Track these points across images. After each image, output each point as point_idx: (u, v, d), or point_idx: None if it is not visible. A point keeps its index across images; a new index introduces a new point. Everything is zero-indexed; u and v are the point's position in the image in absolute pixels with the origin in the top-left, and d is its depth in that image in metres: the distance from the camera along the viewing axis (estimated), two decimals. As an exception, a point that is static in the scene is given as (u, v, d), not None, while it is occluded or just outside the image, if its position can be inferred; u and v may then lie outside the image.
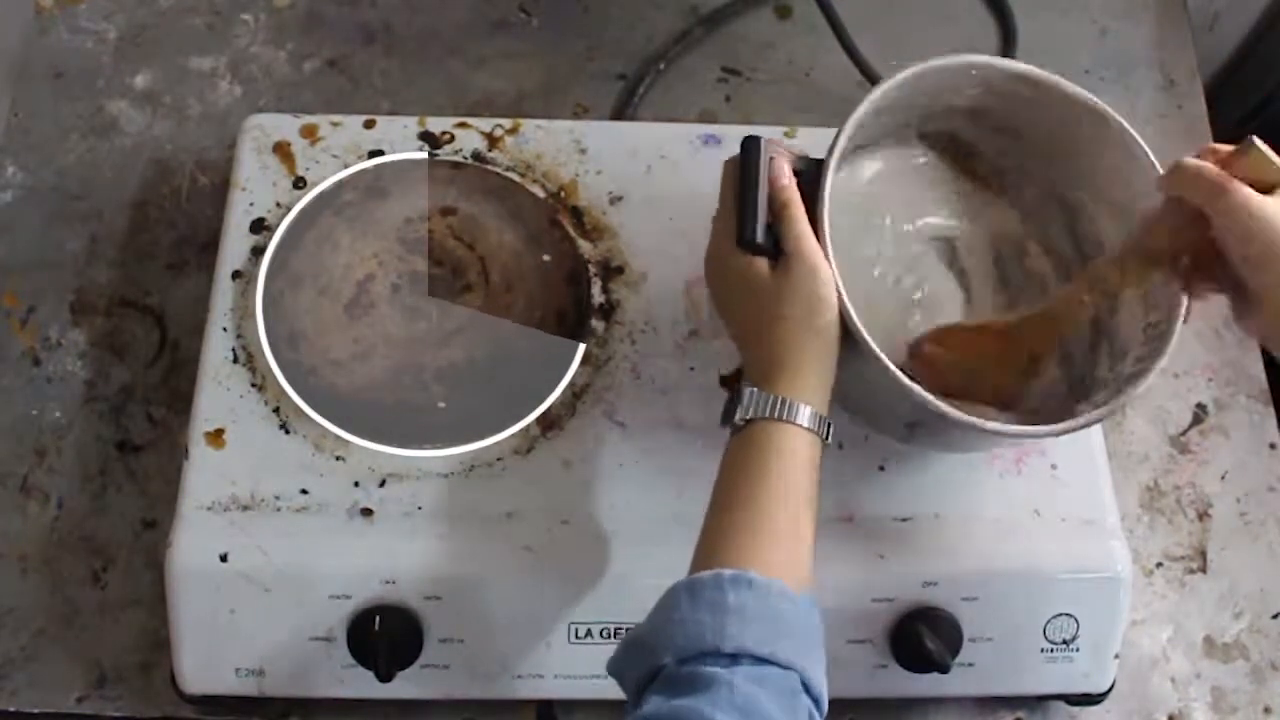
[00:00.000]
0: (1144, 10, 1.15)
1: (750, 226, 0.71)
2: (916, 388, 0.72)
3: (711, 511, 0.69)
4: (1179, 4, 1.16)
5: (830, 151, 0.74)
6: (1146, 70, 1.12)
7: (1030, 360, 0.79)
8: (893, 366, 0.72)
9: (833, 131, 0.75)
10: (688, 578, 0.66)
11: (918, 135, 0.86)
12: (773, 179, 0.72)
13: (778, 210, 0.72)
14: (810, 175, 0.73)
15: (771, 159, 0.72)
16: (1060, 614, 0.81)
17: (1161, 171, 0.73)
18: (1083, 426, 0.74)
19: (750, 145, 0.72)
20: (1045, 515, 0.83)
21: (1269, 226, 0.66)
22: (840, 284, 0.71)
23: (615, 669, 0.67)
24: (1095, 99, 0.79)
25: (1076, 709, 0.86)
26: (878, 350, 0.72)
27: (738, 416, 0.70)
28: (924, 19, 1.11)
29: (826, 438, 0.70)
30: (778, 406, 0.69)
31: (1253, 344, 0.99)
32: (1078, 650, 0.82)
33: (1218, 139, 1.09)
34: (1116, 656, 0.83)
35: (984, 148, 0.86)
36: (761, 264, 0.72)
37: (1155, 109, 1.10)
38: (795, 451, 0.69)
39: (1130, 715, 0.87)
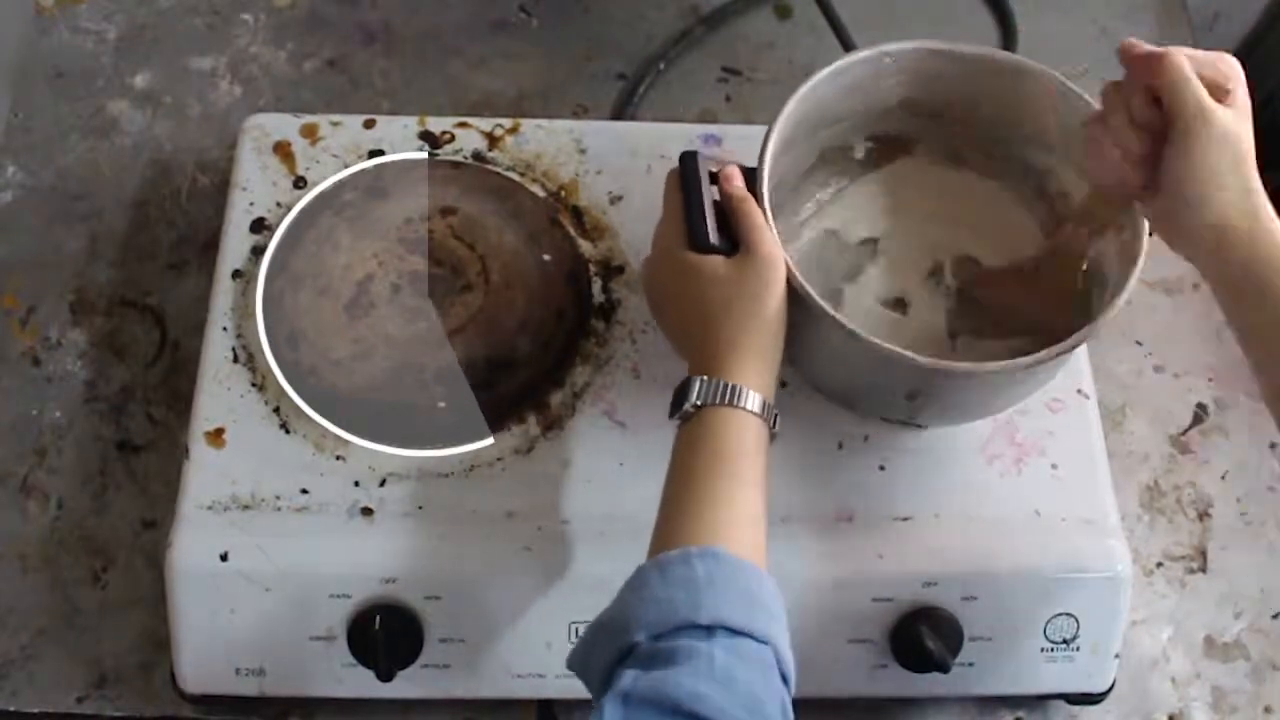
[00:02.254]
0: (1144, 10, 1.15)
1: (701, 230, 0.75)
2: (901, 349, 0.73)
3: (668, 499, 0.70)
4: (1179, 4, 1.16)
5: (761, 155, 0.78)
6: (1146, 70, 1.12)
7: (1059, 294, 0.82)
8: (874, 339, 0.73)
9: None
10: (654, 558, 0.66)
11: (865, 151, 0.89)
12: (727, 178, 0.77)
13: (734, 207, 0.75)
14: (749, 181, 0.77)
15: (722, 167, 0.77)
16: (1060, 614, 0.81)
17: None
18: (1073, 346, 0.74)
19: (688, 158, 0.77)
20: (1045, 515, 0.83)
21: (1194, 89, 0.68)
22: (798, 275, 0.74)
23: (579, 659, 0.66)
24: (1020, 58, 0.81)
25: (1076, 709, 0.86)
26: (855, 328, 0.73)
27: (688, 404, 0.71)
28: (924, 19, 1.11)
29: (774, 426, 0.72)
30: (727, 393, 0.70)
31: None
32: (1078, 650, 0.82)
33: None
34: (1116, 656, 0.83)
35: (929, 135, 0.88)
36: (716, 259, 0.74)
37: (1155, 109, 1.10)
38: (745, 437, 0.70)
39: (1130, 715, 0.87)
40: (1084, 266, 0.81)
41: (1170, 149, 0.69)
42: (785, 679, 0.63)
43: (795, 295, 0.74)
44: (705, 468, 0.69)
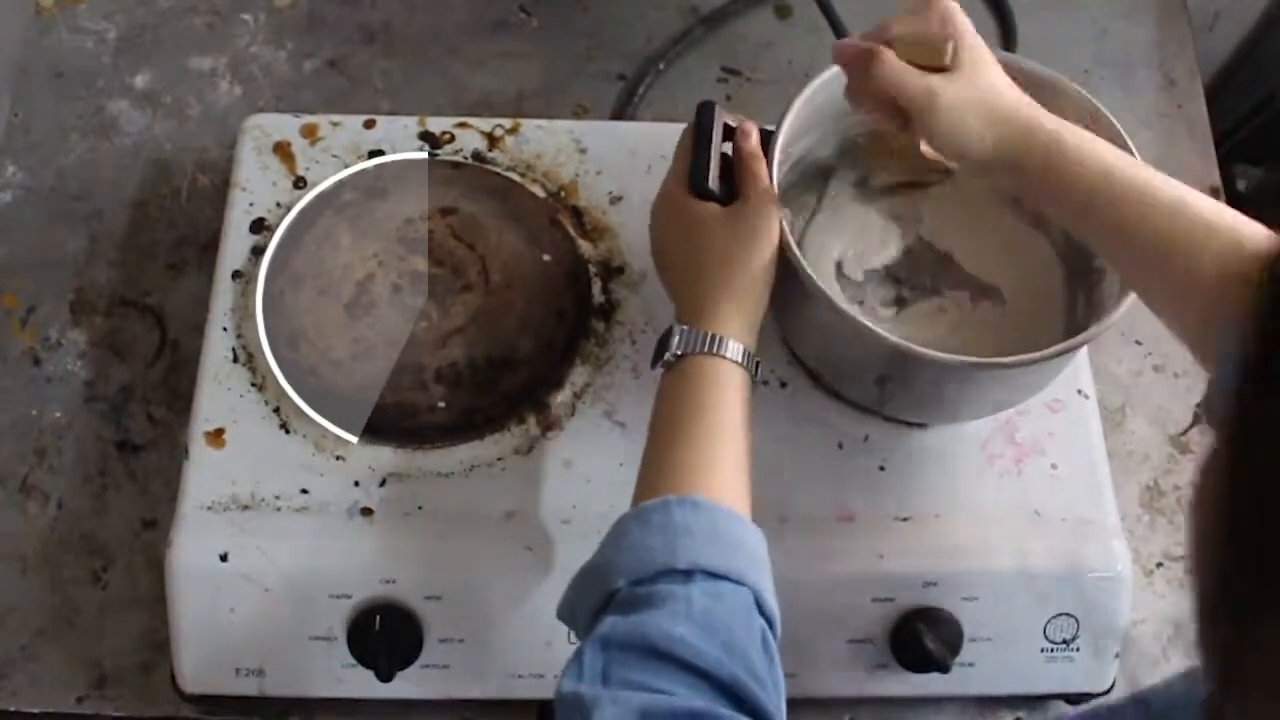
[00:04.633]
0: (1144, 10, 1.15)
1: (702, 174, 0.76)
2: (870, 324, 0.74)
3: (650, 448, 0.71)
4: (1179, 4, 1.16)
5: (780, 120, 0.79)
6: (1146, 70, 1.12)
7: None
8: (850, 309, 0.74)
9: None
10: (634, 508, 0.67)
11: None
12: (744, 133, 0.78)
13: (742, 160, 0.77)
14: (763, 142, 0.79)
15: (741, 123, 0.79)
16: (1060, 614, 0.81)
17: (1120, 128, 0.78)
18: (1054, 355, 0.74)
19: (706, 106, 0.79)
20: (1045, 515, 0.83)
21: (909, 82, 0.71)
22: (789, 233, 0.75)
23: (566, 609, 0.68)
24: (1059, 76, 0.81)
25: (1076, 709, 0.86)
26: (832, 296, 0.74)
27: (669, 353, 0.72)
28: (924, 19, 1.11)
29: (756, 374, 0.73)
30: (709, 342, 0.71)
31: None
32: (1078, 650, 0.82)
33: (1218, 139, 1.10)
34: (1116, 656, 0.83)
35: None
36: (712, 206, 0.76)
37: (1155, 109, 1.10)
38: (728, 385, 0.71)
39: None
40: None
41: (915, 128, 0.72)
42: (768, 619, 0.64)
43: (784, 257, 0.75)
44: (686, 417, 0.70)
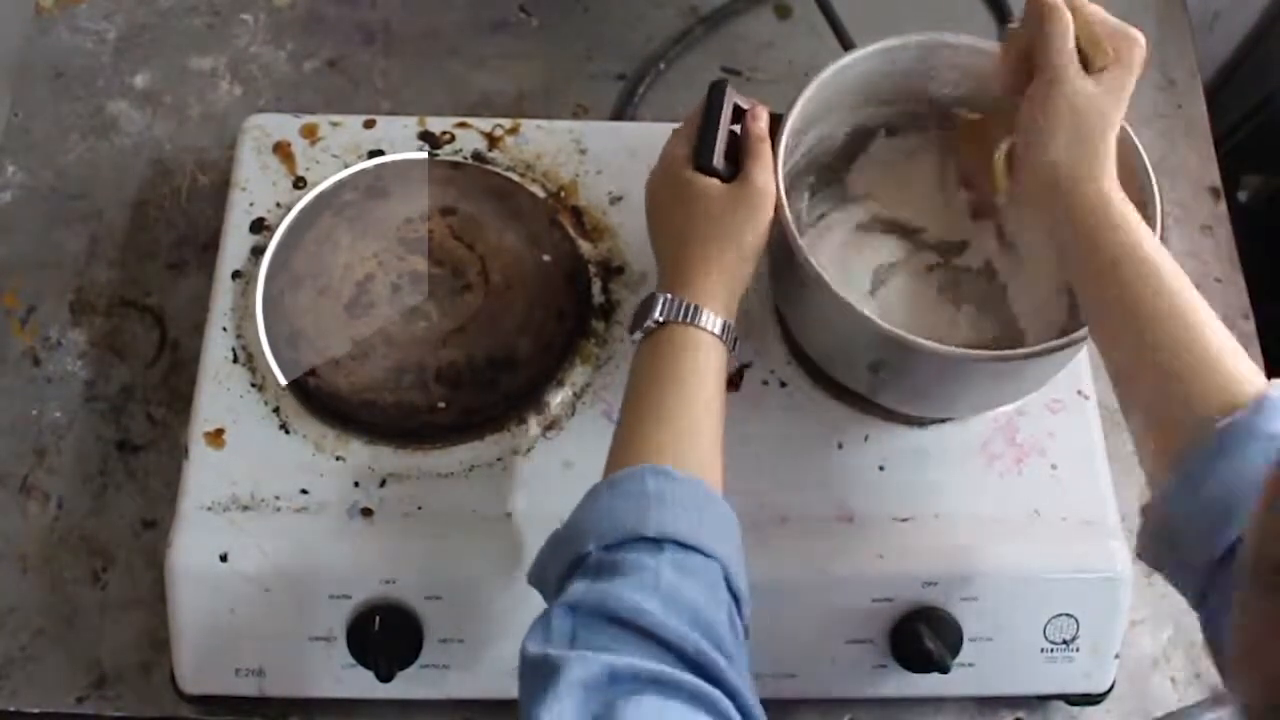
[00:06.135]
0: (1144, 10, 1.15)
1: (708, 151, 0.76)
2: (871, 316, 0.74)
3: (624, 417, 0.71)
4: (1179, 4, 1.16)
5: (791, 106, 0.79)
6: (1146, 70, 1.11)
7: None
8: (843, 295, 0.74)
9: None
10: (606, 477, 0.67)
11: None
12: (754, 115, 0.78)
13: (749, 142, 0.77)
14: (773, 126, 0.79)
15: (753, 105, 0.79)
16: (1060, 614, 0.81)
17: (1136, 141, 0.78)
18: (1044, 353, 0.74)
19: (718, 84, 0.79)
20: (1045, 515, 0.83)
21: (1060, 52, 0.71)
22: (787, 213, 0.75)
23: (536, 573, 0.68)
24: None
25: (1076, 709, 0.86)
26: (829, 281, 0.74)
27: (650, 319, 0.72)
28: (924, 19, 1.10)
29: (733, 348, 0.73)
30: (689, 312, 0.72)
31: (1253, 344, 0.99)
32: (1078, 650, 0.82)
33: (1217, 139, 1.10)
34: (1116, 656, 0.83)
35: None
36: (713, 182, 0.76)
37: (1155, 109, 1.10)
38: (704, 356, 0.71)
39: (1130, 715, 0.87)
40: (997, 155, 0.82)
41: (1027, 94, 0.73)
42: (735, 594, 0.64)
43: (782, 240, 0.75)
44: (662, 387, 0.71)
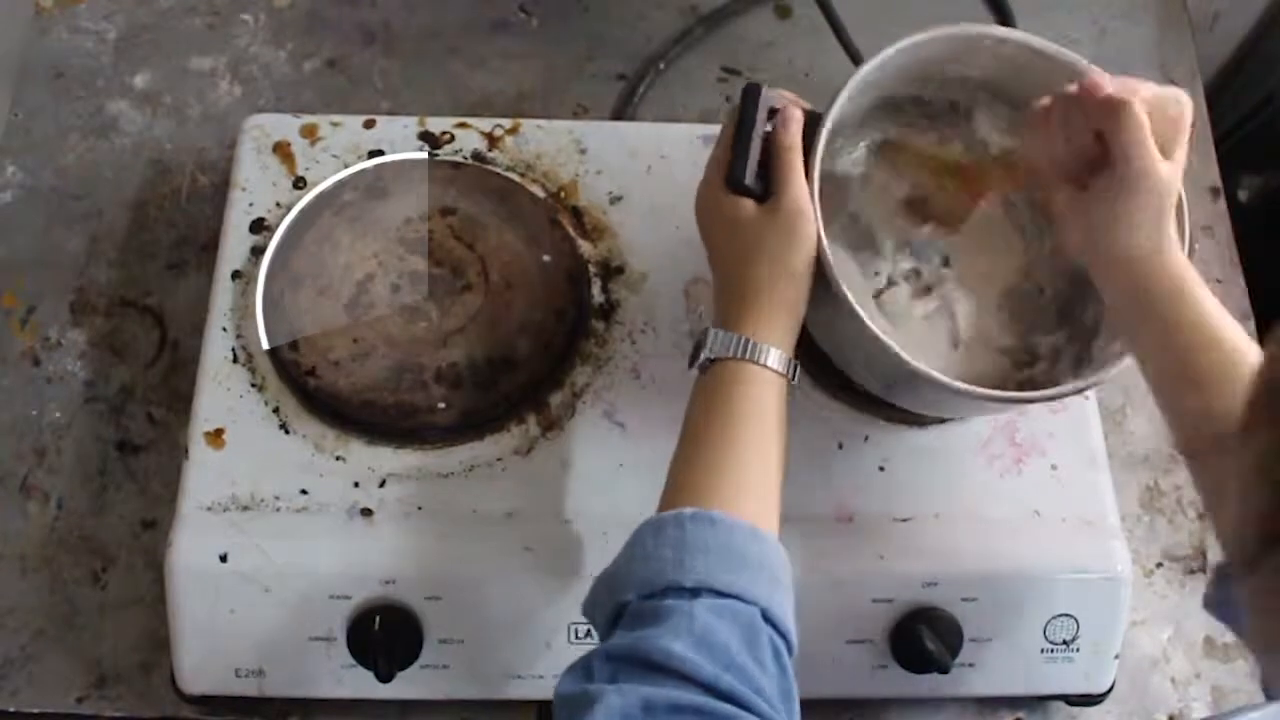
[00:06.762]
0: (1144, 10, 1.15)
1: (740, 168, 0.73)
2: (892, 344, 0.72)
3: (678, 451, 0.70)
4: (1179, 4, 1.16)
5: (831, 103, 0.75)
6: (1146, 70, 1.12)
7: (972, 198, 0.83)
8: (871, 324, 0.73)
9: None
10: (651, 519, 0.67)
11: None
12: (783, 121, 0.74)
13: (778, 153, 0.74)
14: (809, 126, 0.75)
15: (784, 107, 0.75)
16: (1060, 614, 0.81)
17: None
18: (1051, 398, 0.75)
19: (749, 91, 0.75)
20: (1045, 515, 0.83)
21: (1145, 149, 0.69)
22: (823, 233, 0.73)
23: (588, 610, 0.68)
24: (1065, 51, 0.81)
25: (1076, 709, 0.86)
26: (856, 306, 0.73)
27: (703, 356, 0.71)
28: (924, 19, 1.10)
29: (793, 379, 0.72)
30: (744, 347, 0.70)
31: (1252, 345, 0.99)
32: (1078, 650, 0.82)
33: (1217, 139, 1.10)
34: (1116, 656, 0.83)
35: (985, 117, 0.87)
36: (748, 203, 0.74)
37: (1155, 109, 1.10)
38: (761, 393, 0.70)
39: (1130, 715, 0.87)
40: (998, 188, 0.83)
41: (1103, 188, 0.71)
42: (784, 636, 0.64)
43: (818, 264, 0.74)
44: (714, 425, 0.70)
